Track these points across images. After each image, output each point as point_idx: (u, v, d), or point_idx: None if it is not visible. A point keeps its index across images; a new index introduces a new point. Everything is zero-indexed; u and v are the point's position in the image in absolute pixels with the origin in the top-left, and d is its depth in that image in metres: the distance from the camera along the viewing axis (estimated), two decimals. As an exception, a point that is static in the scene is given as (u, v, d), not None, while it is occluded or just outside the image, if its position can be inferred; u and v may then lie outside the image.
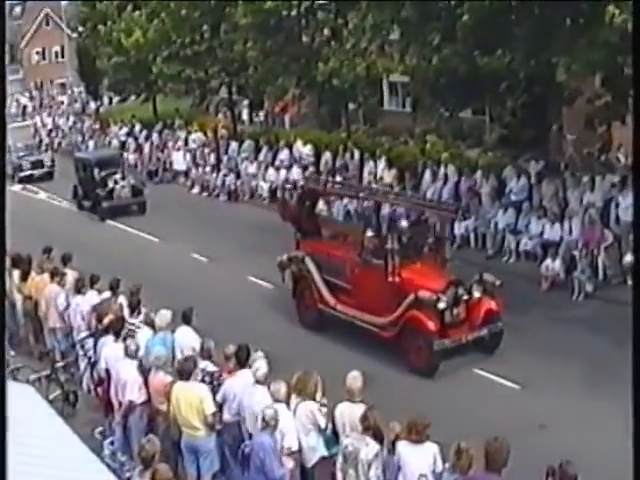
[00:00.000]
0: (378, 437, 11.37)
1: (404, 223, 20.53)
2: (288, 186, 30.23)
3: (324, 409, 12.47)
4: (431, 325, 18.01)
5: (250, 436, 12.69)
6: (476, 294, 18.68)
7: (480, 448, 10.07)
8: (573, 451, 11.99)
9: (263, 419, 11.63)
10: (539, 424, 15.58)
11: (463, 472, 10.37)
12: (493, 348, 18.84)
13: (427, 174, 28.61)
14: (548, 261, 22.41)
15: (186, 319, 15.89)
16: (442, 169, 28.56)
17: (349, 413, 12.03)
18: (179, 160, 40.81)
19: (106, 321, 16.26)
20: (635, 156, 8.15)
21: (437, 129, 31.53)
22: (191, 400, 13.04)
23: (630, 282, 20.24)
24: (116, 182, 35.41)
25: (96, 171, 36.11)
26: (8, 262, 18.20)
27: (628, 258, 20.48)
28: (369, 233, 19.95)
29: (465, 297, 18.55)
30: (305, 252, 21.19)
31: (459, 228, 25.62)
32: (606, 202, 23.56)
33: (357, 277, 19.91)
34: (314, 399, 12.54)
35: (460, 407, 16.54)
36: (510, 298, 19.33)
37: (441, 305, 18.07)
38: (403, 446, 11.11)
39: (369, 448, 11.13)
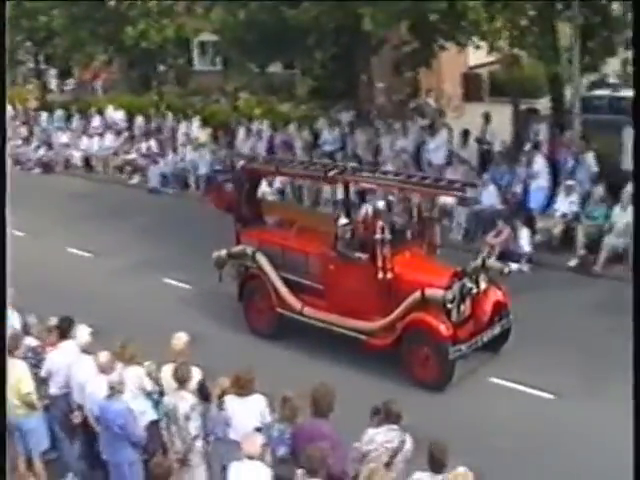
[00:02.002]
0: (203, 393, 11.41)
1: (380, 204, 17.89)
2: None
3: (150, 373, 12.38)
4: (443, 329, 14.80)
5: (80, 407, 12.48)
6: (483, 285, 15.65)
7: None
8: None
9: (111, 387, 11.45)
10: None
11: (291, 421, 10.50)
12: (499, 346, 15.97)
13: (241, 131, 28.59)
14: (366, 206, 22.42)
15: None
16: (256, 125, 28.58)
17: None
18: (-13, 134, 39.44)
19: None
20: (635, 157, 8.32)
21: (248, 85, 31.56)
22: (11, 379, 12.71)
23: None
24: None
25: None
26: None
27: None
28: (342, 220, 16.57)
29: (474, 290, 15.43)
30: (252, 245, 17.57)
31: (275, 183, 25.61)
32: (418, 146, 24.06)
33: (331, 274, 16.26)
34: (139, 364, 12.43)
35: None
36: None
37: (451, 304, 15.00)
38: (230, 400, 11.14)
39: (186, 402, 11.13)
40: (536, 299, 17.75)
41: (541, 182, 20.73)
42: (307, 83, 32.63)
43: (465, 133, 23.87)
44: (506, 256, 18.98)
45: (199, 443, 11.32)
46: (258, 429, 10.74)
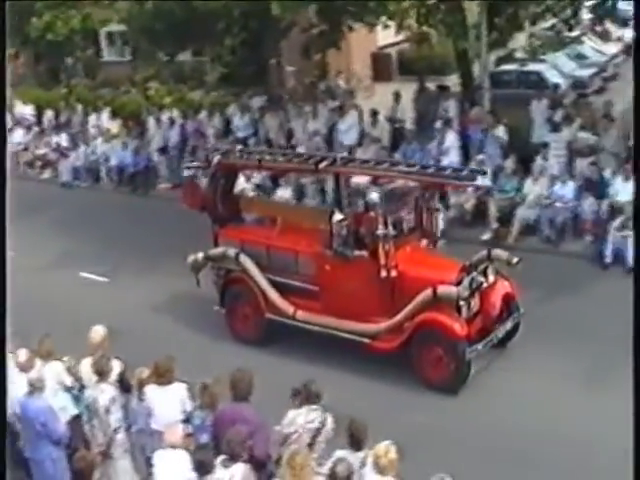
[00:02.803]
0: (124, 385, 11.37)
1: (374, 196, 15.71)
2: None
3: (69, 368, 12.29)
4: (458, 328, 13.92)
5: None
6: (491, 278, 14.75)
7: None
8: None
9: (30, 384, 11.34)
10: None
11: (211, 407, 10.51)
12: (508, 341, 15.15)
13: (151, 121, 28.35)
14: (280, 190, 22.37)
15: None
16: (167, 114, 28.39)
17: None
18: None
19: None
20: (635, 152, 8.36)
21: (158, 75, 31.34)
22: None
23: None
24: None
25: None
26: None
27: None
28: (337, 216, 14.89)
29: (484, 284, 14.56)
30: (232, 246, 16.33)
31: (188, 170, 25.38)
32: (329, 128, 24.14)
33: (327, 275, 15.15)
34: (58, 360, 12.33)
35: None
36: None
37: (464, 301, 14.16)
38: (150, 390, 11.10)
39: (106, 395, 11.08)
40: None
41: (452, 158, 20.91)
42: (217, 70, 32.42)
43: (374, 113, 23.97)
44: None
45: (121, 435, 11.27)
46: (184, 420, 10.74)
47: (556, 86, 27.35)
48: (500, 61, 30.16)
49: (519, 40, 27.05)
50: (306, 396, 10.21)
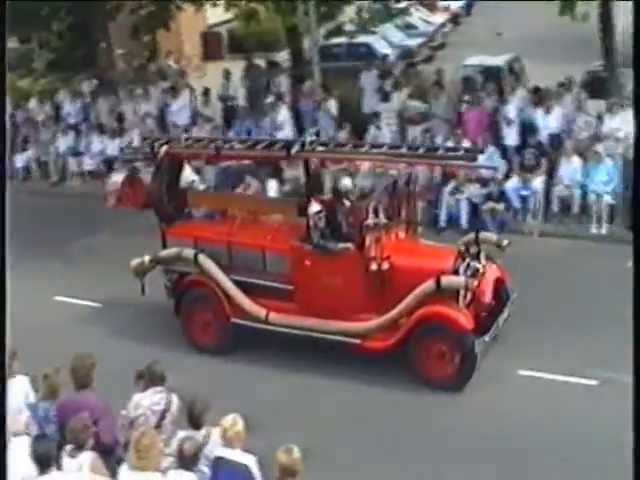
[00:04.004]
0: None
1: (347, 182, 14.33)
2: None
3: None
4: (464, 321, 12.80)
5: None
6: (483, 263, 13.77)
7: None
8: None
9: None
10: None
11: (53, 398, 10.35)
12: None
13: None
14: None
15: None
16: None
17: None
18: None
19: None
20: (636, 150, 8.28)
21: (-17, 64, 30.48)
22: None
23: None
24: None
25: None
26: None
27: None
28: (314, 207, 13.62)
29: (480, 270, 13.52)
30: (184, 245, 14.63)
31: (20, 160, 24.88)
32: (161, 109, 23.96)
33: (305, 272, 13.66)
34: None
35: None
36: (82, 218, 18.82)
37: (464, 290, 12.98)
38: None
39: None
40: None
41: (286, 133, 21.03)
42: (45, 56, 31.82)
43: (206, 92, 23.90)
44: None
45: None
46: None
47: (385, 56, 27.79)
48: (330, 34, 30.42)
49: (348, 13, 27.29)
50: (150, 378, 10.16)
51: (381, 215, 13.10)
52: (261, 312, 13.89)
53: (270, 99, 22.48)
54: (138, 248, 15.07)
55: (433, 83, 21.79)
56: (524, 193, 18.53)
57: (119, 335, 15.27)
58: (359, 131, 20.53)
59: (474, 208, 18.51)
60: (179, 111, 23.24)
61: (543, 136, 19.33)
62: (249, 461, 8.63)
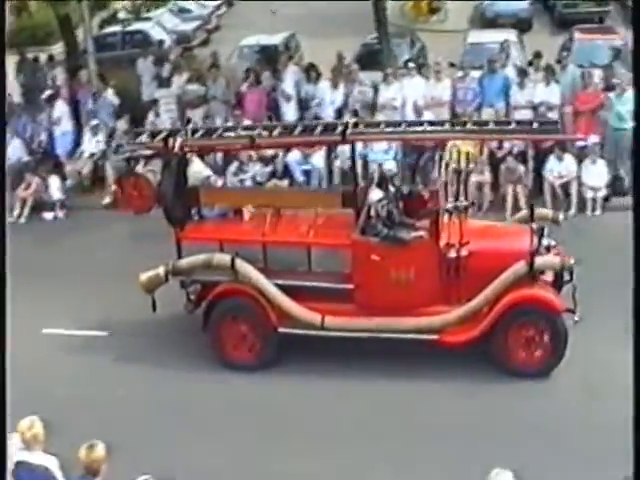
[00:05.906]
0: None
1: (391, 166, 13.75)
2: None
3: None
4: (558, 303, 12.17)
5: None
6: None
7: None
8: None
9: None
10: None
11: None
12: None
13: None
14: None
15: None
16: None
17: None
18: None
19: None
20: (635, 143, 8.02)
21: None
22: None
23: None
24: None
25: None
26: None
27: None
28: (376, 194, 12.60)
29: (552, 247, 12.66)
30: (203, 250, 13.00)
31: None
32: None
33: (370, 267, 12.35)
34: None
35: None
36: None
37: (560, 269, 12.33)
38: None
39: None
40: (78, 241, 17.93)
41: (65, 127, 20.69)
42: None
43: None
44: (40, 206, 19.17)
45: None
46: None
47: (161, 42, 27.58)
48: (104, 24, 30.02)
49: (121, 1, 27.01)
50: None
51: (461, 198, 12.40)
52: (316, 318, 12.47)
53: (45, 93, 21.98)
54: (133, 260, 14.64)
55: (210, 66, 21.78)
56: (306, 167, 18.79)
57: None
58: (138, 119, 20.36)
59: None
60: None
61: (330, 111, 19.62)
62: (49, 462, 8.48)
